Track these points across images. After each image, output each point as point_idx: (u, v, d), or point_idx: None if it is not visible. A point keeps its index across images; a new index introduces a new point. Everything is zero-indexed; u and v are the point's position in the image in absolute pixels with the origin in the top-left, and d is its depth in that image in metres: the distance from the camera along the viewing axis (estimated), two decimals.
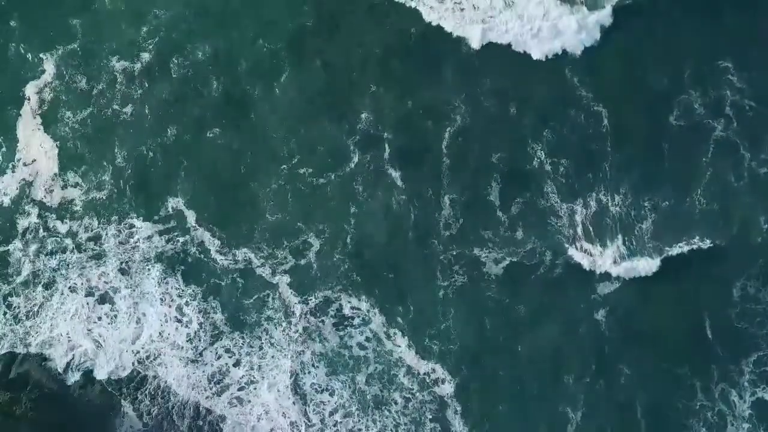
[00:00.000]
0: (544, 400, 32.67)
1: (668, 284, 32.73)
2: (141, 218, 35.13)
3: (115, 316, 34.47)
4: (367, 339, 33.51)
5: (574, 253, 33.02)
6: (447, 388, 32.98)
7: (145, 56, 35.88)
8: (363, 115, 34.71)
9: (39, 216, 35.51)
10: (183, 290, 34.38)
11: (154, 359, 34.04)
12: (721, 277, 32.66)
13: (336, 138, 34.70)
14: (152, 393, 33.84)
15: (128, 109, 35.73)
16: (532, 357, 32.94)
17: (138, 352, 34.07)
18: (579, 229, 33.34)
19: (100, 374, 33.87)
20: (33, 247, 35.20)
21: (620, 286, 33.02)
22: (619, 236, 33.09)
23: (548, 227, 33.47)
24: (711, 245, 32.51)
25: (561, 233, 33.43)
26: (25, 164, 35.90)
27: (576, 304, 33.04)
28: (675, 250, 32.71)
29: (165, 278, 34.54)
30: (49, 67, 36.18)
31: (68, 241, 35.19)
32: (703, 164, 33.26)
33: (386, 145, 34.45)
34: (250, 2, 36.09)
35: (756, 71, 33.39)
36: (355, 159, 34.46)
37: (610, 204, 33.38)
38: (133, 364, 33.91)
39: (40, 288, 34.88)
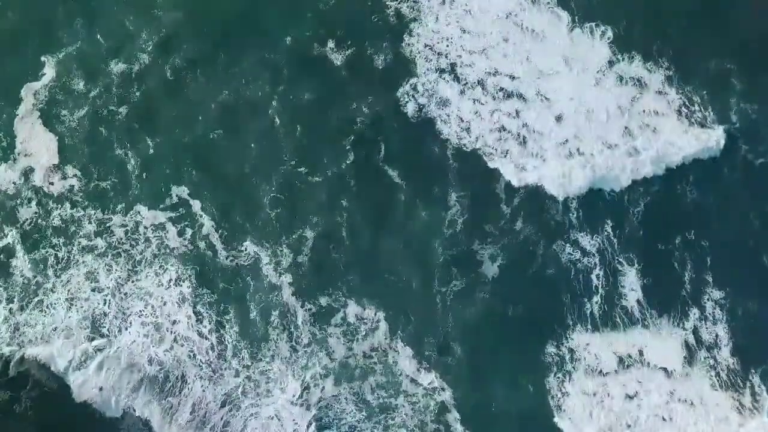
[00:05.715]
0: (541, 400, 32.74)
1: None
2: (147, 207, 35.19)
3: (124, 319, 34.52)
4: (371, 347, 33.49)
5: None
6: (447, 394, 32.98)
7: (145, 58, 36.22)
8: (364, 109, 35.05)
9: (39, 204, 35.50)
10: (185, 296, 34.38)
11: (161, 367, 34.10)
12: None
13: (336, 137, 35.00)
14: None
15: (124, 109, 36.05)
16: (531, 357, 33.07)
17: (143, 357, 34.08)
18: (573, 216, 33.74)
19: (105, 381, 33.81)
20: (35, 237, 35.23)
21: None
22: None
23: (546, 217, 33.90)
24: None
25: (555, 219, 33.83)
26: (25, 155, 35.99)
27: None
28: None
29: (166, 277, 34.68)
30: (49, 68, 36.50)
31: (71, 231, 35.18)
32: None
33: (382, 145, 34.73)
34: (252, 5, 36.50)
35: None
36: (352, 158, 34.75)
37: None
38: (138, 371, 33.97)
39: (42, 286, 34.90)
